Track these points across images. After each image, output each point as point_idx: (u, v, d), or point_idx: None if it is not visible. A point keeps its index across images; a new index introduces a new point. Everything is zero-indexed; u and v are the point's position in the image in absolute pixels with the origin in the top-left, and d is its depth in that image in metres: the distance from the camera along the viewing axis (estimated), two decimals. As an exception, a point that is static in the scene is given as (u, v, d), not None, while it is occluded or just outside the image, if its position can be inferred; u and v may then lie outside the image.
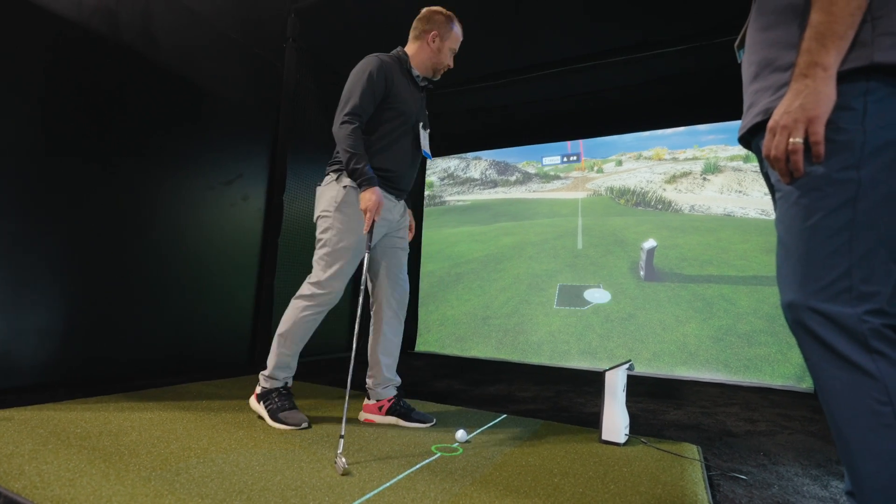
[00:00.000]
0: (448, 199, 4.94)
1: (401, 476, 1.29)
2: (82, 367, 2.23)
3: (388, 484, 1.23)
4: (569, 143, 4.41)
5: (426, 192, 5.01)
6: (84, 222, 2.25)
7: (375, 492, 1.18)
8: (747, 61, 0.99)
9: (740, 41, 1.07)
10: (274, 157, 3.32)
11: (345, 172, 1.77)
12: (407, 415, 1.88)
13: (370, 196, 1.68)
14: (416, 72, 1.90)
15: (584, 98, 4.08)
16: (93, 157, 2.28)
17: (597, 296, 3.93)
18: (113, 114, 2.36)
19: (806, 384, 3.14)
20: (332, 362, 3.38)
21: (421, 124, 1.90)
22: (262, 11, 3.22)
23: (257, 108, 3.20)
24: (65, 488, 1.08)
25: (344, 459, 1.32)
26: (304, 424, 1.71)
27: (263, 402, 1.78)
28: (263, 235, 3.23)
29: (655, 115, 4.00)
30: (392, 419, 1.88)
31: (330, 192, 1.79)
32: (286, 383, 1.82)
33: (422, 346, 4.54)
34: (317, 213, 1.84)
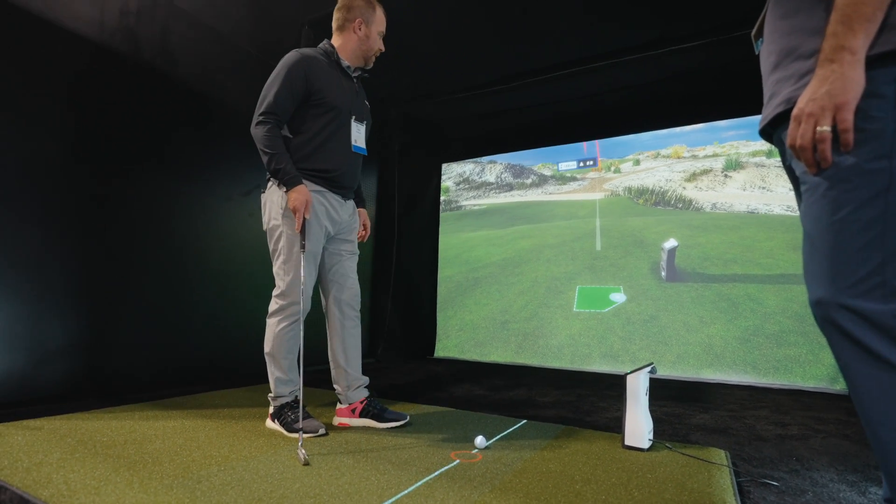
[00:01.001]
0: (464, 203, 4.93)
1: (419, 483, 1.28)
2: (108, 377, 2.29)
3: (406, 491, 1.22)
4: (584, 146, 4.34)
5: (442, 198, 5.01)
6: (107, 235, 2.31)
7: (394, 499, 1.17)
8: (766, 51, 0.95)
9: (757, 30, 1.04)
10: (291, 166, 3.36)
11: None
12: (380, 416, 1.87)
13: (296, 196, 1.66)
14: (346, 63, 1.84)
15: (599, 98, 4.03)
16: (114, 171, 2.35)
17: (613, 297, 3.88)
18: (133, 129, 2.43)
19: (839, 385, 3.02)
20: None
21: (354, 117, 1.84)
22: (276, 24, 3.27)
23: (274, 120, 3.25)
24: (90, 496, 1.10)
25: (304, 451, 1.44)
26: (321, 431, 1.71)
27: (278, 420, 1.78)
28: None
29: (673, 112, 3.92)
30: (366, 421, 1.87)
31: (274, 199, 1.75)
32: (294, 396, 1.81)
33: (441, 351, 4.53)
34: (265, 222, 1.80)
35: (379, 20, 1.86)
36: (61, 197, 2.14)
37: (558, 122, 4.39)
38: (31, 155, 2.04)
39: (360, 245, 2.04)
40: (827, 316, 0.81)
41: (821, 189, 0.82)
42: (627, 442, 1.67)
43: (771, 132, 0.98)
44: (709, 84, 3.67)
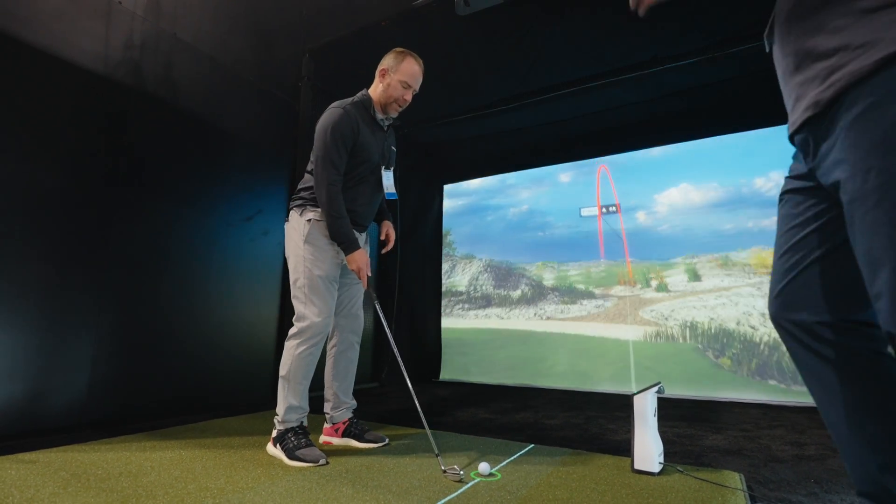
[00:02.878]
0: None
1: (420, 514, 1.23)
2: (107, 407, 2.26)
3: (406, 522, 1.17)
4: (598, 184, 3.80)
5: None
6: (109, 263, 2.31)
7: (392, 531, 1.12)
8: (782, 52, 0.92)
9: (769, 31, 1.01)
10: (292, 191, 3.38)
11: (308, 207, 1.87)
12: (360, 436, 1.97)
13: (360, 256, 1.82)
14: (379, 116, 1.96)
15: (600, 116, 4.01)
16: (118, 201, 2.36)
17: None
18: (138, 158, 2.46)
19: (858, 402, 2.90)
20: (355, 393, 3.33)
21: (383, 167, 1.98)
22: (277, 53, 3.35)
23: (275, 146, 3.29)
24: (79, 533, 1.07)
25: (455, 468, 1.54)
26: (322, 461, 1.68)
27: (280, 445, 1.76)
28: (283, 269, 3.27)
29: (677, 127, 3.88)
30: (347, 440, 1.97)
31: (296, 227, 1.87)
32: (301, 422, 1.82)
33: (446, 374, 4.46)
34: (287, 250, 1.91)
35: (404, 71, 1.89)
36: (64, 227, 2.15)
37: (560, 142, 4.40)
38: (35, 186, 2.06)
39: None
40: None
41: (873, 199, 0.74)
42: (637, 466, 1.61)
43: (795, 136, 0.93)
44: (709, 99, 3.67)
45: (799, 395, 3.07)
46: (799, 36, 0.87)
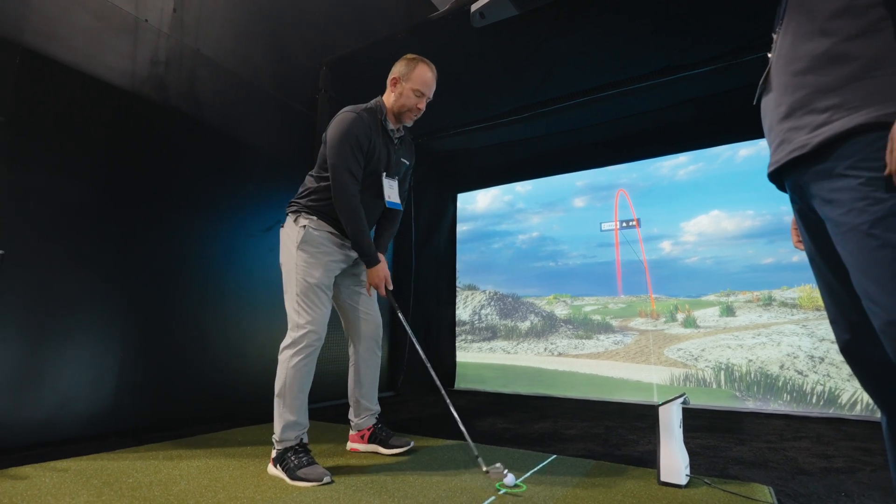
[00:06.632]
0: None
1: (449, 525, 1.24)
2: (132, 416, 2.29)
3: (436, 534, 1.18)
4: (616, 202, 3.65)
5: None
6: (132, 274, 2.36)
7: (424, 543, 1.12)
8: (775, 102, 1.02)
9: (764, 80, 1.11)
10: (310, 202, 3.43)
11: (303, 213, 1.83)
12: (385, 441, 1.98)
13: (381, 270, 1.86)
14: (389, 125, 1.90)
15: (612, 125, 4.03)
16: (143, 213, 2.42)
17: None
18: (161, 170, 2.51)
19: (883, 413, 2.85)
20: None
21: (385, 174, 1.91)
22: (295, 67, 3.41)
23: (293, 157, 3.34)
24: (117, 542, 1.09)
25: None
26: (326, 479, 1.58)
27: (280, 465, 1.65)
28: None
29: (687, 136, 3.90)
30: (373, 447, 1.99)
31: (290, 234, 1.83)
32: (300, 440, 1.72)
33: (461, 383, 4.45)
34: (281, 256, 1.85)
35: (416, 79, 1.86)
36: (91, 238, 2.20)
37: (573, 151, 4.40)
38: (63, 197, 2.11)
39: None
40: None
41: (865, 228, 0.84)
42: (664, 478, 1.60)
43: (780, 177, 1.05)
44: (724, 107, 3.67)
45: (822, 406, 3.02)
46: (795, 89, 0.97)
